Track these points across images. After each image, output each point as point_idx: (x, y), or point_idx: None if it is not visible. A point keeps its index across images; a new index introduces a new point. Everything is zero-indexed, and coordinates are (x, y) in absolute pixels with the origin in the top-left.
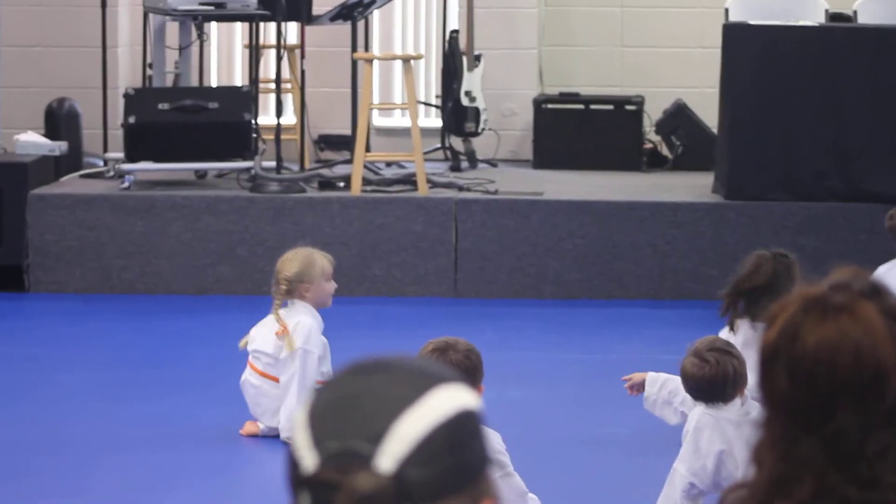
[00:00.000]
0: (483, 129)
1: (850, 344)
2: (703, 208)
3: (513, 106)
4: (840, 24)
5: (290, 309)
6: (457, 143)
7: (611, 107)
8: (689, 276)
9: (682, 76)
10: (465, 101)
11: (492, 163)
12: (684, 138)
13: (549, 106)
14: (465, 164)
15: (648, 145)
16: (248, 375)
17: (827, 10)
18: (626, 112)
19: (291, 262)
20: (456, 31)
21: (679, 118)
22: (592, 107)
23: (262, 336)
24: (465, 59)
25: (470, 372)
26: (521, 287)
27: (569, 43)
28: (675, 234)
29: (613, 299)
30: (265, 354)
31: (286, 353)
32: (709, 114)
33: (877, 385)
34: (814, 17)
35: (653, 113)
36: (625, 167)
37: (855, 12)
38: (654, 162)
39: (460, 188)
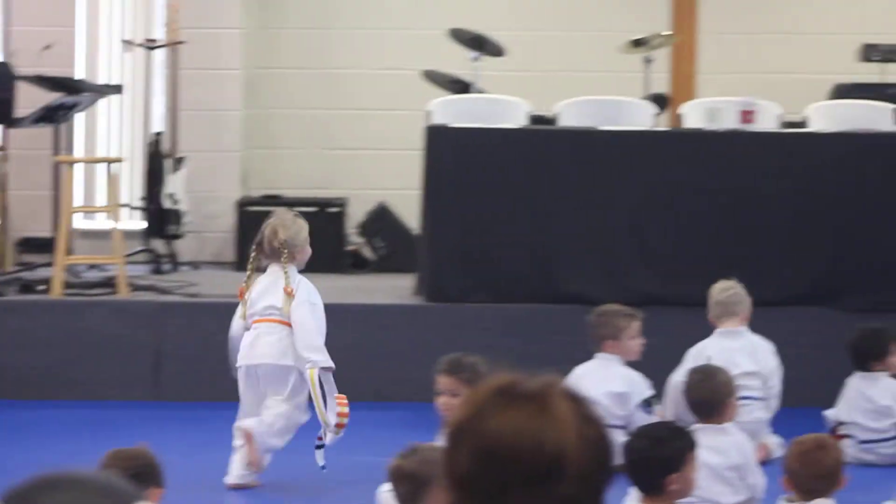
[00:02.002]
0: (186, 232)
1: (534, 432)
2: (404, 311)
3: (216, 208)
4: (541, 127)
5: (289, 272)
6: (159, 245)
7: (314, 209)
8: (392, 379)
9: (386, 178)
10: (168, 204)
11: (194, 265)
12: (387, 240)
13: (252, 208)
14: (167, 267)
15: (352, 247)
16: (257, 329)
17: (529, 113)
18: (328, 214)
19: (283, 227)
20: (159, 134)
21: (382, 220)
22: (295, 209)
23: (271, 294)
24: (168, 161)
25: (142, 477)
26: (223, 390)
27: (273, 145)
28: (378, 336)
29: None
30: (277, 309)
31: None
32: (412, 215)
33: (554, 474)
34: (516, 119)
35: (356, 215)
36: (328, 269)
37: (556, 115)
38: (358, 264)
39: (162, 291)
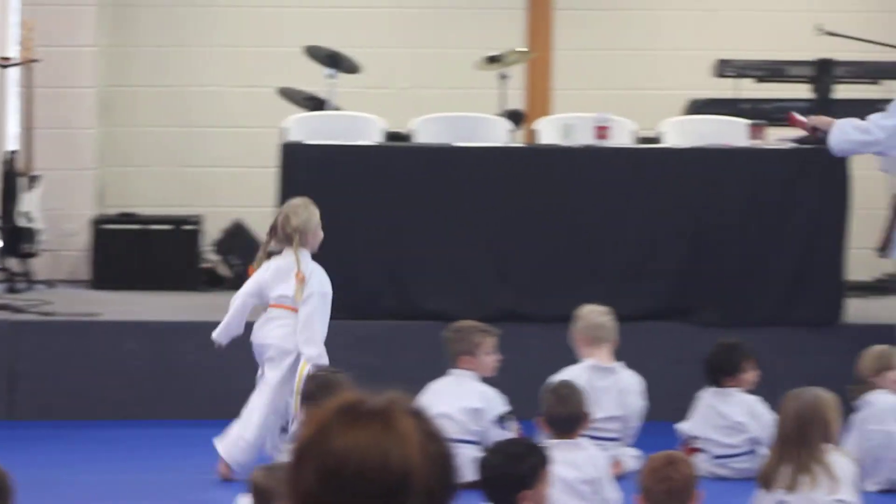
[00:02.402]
0: (41, 250)
1: (379, 450)
2: None
3: (72, 226)
4: (397, 144)
5: (301, 258)
6: (14, 264)
7: (169, 226)
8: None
9: (241, 195)
10: (22, 222)
11: (50, 284)
12: (243, 258)
13: (108, 226)
14: (22, 286)
15: (207, 265)
16: (270, 314)
17: (384, 130)
18: (184, 232)
19: (295, 214)
20: (14, 152)
21: (237, 237)
22: (151, 227)
23: (283, 282)
24: (23, 180)
25: None
26: (80, 409)
27: (128, 163)
28: (230, 353)
29: (168, 419)
30: (288, 297)
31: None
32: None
33: (400, 491)
34: (371, 136)
35: (212, 232)
36: (183, 287)
37: (412, 132)
38: (213, 282)
39: (16, 310)
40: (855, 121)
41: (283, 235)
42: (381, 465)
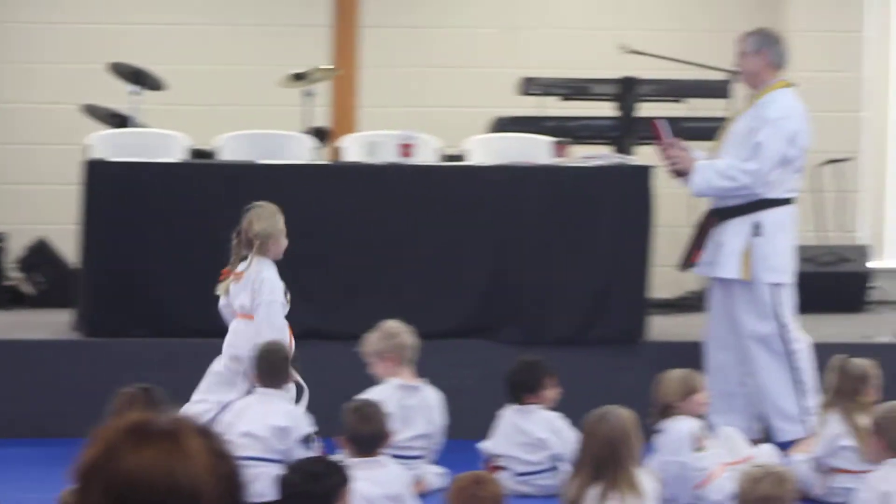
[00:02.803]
0: None
1: (168, 470)
2: (62, 346)
3: None
4: (202, 161)
5: (254, 264)
6: None
7: None
8: (52, 415)
9: (45, 213)
10: None
11: None
12: (47, 275)
13: None
14: None
15: (10, 283)
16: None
17: (189, 147)
18: None
19: (258, 219)
20: None
21: (41, 255)
22: None
23: (243, 293)
24: None
25: None
26: None
27: None
28: (37, 372)
29: None
30: (246, 307)
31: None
32: (72, 251)
33: None
34: (176, 153)
35: (15, 250)
36: None
37: (216, 149)
38: (16, 299)
39: None
40: (716, 164)
41: (246, 241)
42: (169, 486)
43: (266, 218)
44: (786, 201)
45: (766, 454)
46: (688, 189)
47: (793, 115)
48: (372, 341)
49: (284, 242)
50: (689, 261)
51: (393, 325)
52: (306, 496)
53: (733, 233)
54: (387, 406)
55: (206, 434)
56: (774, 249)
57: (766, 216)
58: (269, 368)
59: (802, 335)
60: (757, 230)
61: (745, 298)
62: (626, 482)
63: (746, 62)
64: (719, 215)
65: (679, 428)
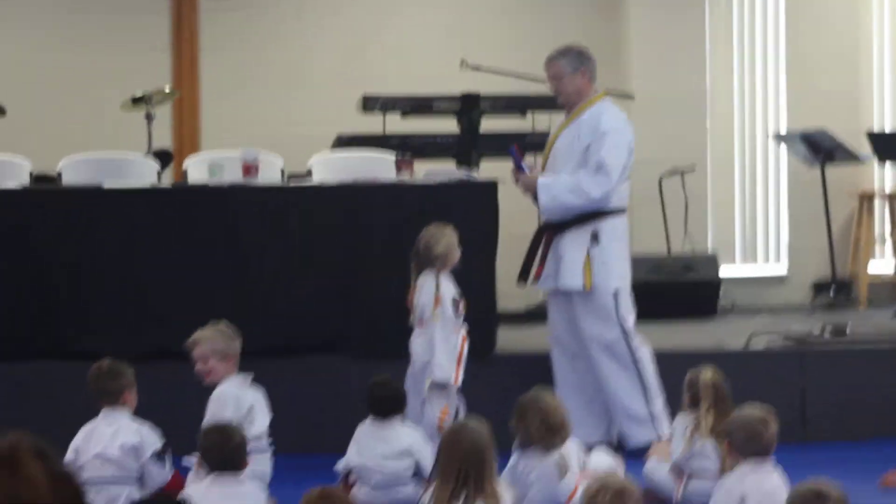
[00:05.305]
0: None
1: (7, 495)
2: None
3: None
4: (46, 187)
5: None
6: None
7: None
8: None
9: None
10: None
11: None
12: None
13: None
14: None
15: None
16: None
17: (32, 172)
18: None
19: (435, 241)
20: None
21: None
22: None
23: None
24: None
25: None
26: None
27: None
28: None
29: None
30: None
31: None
32: None
33: None
34: (19, 178)
35: None
36: None
37: (59, 173)
38: None
39: None
40: (562, 180)
41: (426, 260)
42: None
43: (440, 239)
44: (620, 210)
45: (602, 463)
46: (540, 209)
47: (624, 126)
48: (214, 339)
49: (458, 255)
50: (528, 275)
51: (225, 325)
52: None
53: (572, 243)
54: (243, 402)
55: (44, 456)
56: (613, 256)
57: (603, 225)
58: (102, 389)
59: (644, 341)
60: (595, 239)
61: (588, 307)
62: (488, 493)
63: (566, 85)
64: (555, 228)
65: (546, 463)
